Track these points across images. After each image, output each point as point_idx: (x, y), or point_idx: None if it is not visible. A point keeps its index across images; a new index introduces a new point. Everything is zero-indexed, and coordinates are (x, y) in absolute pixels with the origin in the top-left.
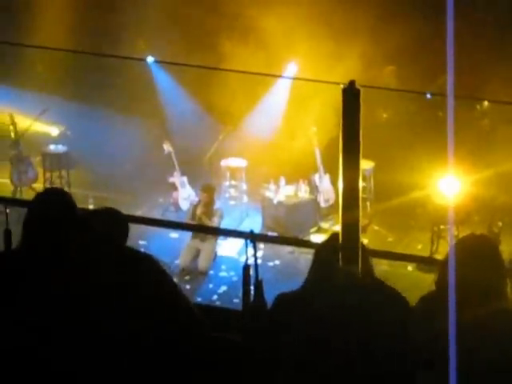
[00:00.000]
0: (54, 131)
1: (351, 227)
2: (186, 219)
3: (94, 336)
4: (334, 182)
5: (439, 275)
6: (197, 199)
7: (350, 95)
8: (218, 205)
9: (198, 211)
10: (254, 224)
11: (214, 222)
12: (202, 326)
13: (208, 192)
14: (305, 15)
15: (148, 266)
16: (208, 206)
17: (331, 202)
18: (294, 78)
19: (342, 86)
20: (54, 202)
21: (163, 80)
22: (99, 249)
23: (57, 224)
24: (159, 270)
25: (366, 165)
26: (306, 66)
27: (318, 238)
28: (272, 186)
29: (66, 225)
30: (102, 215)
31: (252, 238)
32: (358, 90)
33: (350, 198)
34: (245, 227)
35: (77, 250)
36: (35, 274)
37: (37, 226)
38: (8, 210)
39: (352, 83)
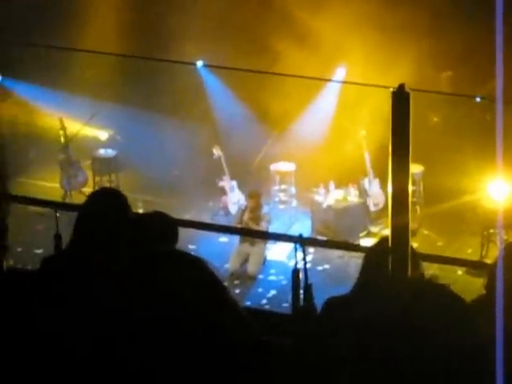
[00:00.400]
0: (104, 135)
1: (401, 231)
2: (234, 224)
3: (146, 337)
4: (383, 186)
5: (488, 279)
6: (246, 203)
7: (400, 98)
8: (265, 209)
9: (245, 217)
10: (304, 228)
11: (262, 227)
12: (250, 330)
13: (254, 198)
14: (357, 19)
15: (198, 268)
16: (255, 211)
17: (381, 206)
18: (345, 82)
19: (391, 89)
20: (108, 202)
21: (213, 84)
22: (150, 250)
23: (110, 224)
24: (209, 272)
25: (415, 169)
26: (356, 70)
27: (367, 242)
28: (321, 190)
29: (118, 225)
30: (152, 219)
31: (301, 242)
32: (408, 94)
33: (400, 201)
34: (294, 231)
35: (128, 250)
36: (86, 275)
37: (89, 226)
38: (58, 214)
39: (401, 86)
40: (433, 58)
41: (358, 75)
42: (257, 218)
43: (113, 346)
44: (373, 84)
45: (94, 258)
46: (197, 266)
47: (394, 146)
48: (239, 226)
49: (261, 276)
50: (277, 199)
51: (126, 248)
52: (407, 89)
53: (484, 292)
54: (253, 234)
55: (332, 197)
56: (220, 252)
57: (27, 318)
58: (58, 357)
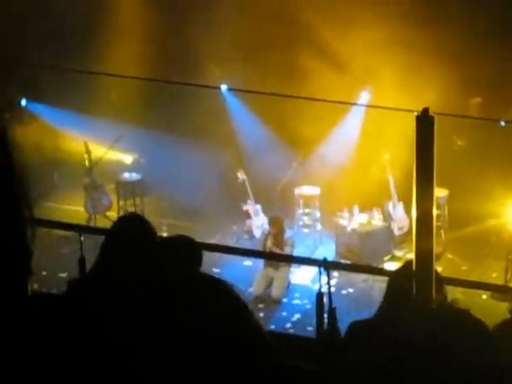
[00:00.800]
0: (128, 159)
1: (425, 255)
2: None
3: (171, 363)
4: (407, 210)
5: None
6: (268, 229)
7: (424, 122)
8: (289, 233)
9: (269, 243)
10: (328, 252)
11: (286, 252)
12: (275, 353)
13: (276, 224)
14: (385, 41)
15: (224, 291)
16: (277, 237)
17: (405, 229)
18: (370, 106)
19: (415, 113)
20: (135, 227)
21: (237, 108)
22: (176, 273)
23: (136, 248)
24: (234, 295)
25: (440, 192)
26: (382, 93)
27: (391, 266)
28: (346, 214)
29: (144, 250)
30: (177, 242)
31: (326, 265)
32: (432, 118)
33: (424, 225)
34: (318, 255)
35: (153, 274)
36: (112, 299)
37: (116, 250)
38: (82, 238)
39: (426, 110)
40: (462, 83)
41: (383, 98)
42: (280, 244)
43: (138, 371)
44: (397, 108)
45: (119, 282)
46: (222, 290)
47: (418, 170)
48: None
49: (285, 300)
50: (301, 223)
51: (151, 272)
52: (432, 113)
53: (509, 316)
54: (277, 257)
55: (356, 221)
56: (244, 276)
57: (55, 342)
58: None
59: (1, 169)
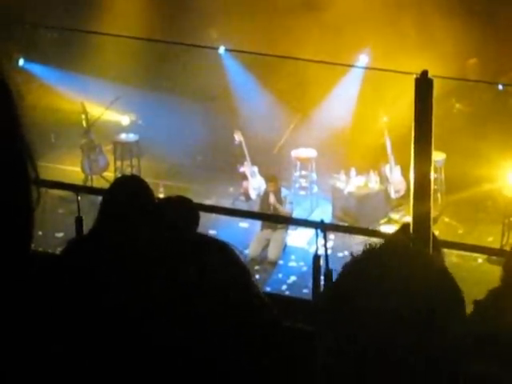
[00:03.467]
0: (125, 120)
1: (423, 218)
2: (259, 210)
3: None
4: (404, 173)
5: (504, 271)
6: (265, 188)
7: (423, 85)
8: (284, 192)
9: (271, 200)
10: (324, 214)
11: (288, 209)
12: (273, 314)
13: (274, 181)
14: (383, 4)
15: (220, 250)
16: (277, 194)
17: (402, 193)
18: (368, 68)
19: (414, 75)
20: (133, 187)
21: (234, 70)
22: (172, 234)
23: (134, 209)
24: (236, 256)
25: (437, 156)
26: (379, 57)
27: (388, 229)
28: (342, 177)
29: (142, 210)
30: (174, 203)
31: (322, 227)
32: (431, 80)
33: (422, 188)
34: (314, 217)
35: (151, 234)
36: (108, 258)
37: (114, 210)
38: (79, 198)
39: (425, 73)
40: (457, 45)
41: (381, 61)
42: (279, 201)
43: (140, 327)
44: (396, 70)
45: (117, 242)
46: (227, 252)
47: (416, 133)
48: (267, 211)
49: (281, 262)
50: (297, 185)
51: (149, 232)
52: (430, 76)
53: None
54: (275, 219)
55: (353, 183)
56: (240, 237)
57: (53, 301)
58: (89, 340)
59: (5, 123)
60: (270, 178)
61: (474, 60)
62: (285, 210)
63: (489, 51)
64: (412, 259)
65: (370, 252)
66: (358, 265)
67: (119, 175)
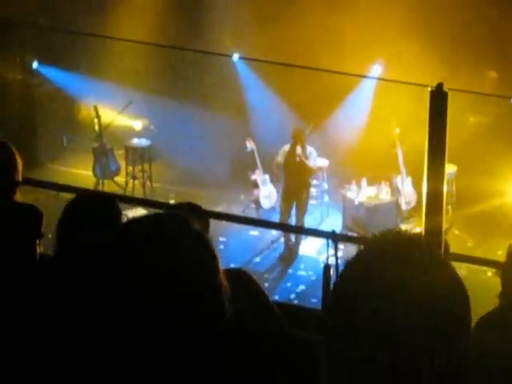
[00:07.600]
0: (138, 125)
1: (435, 230)
2: (282, 162)
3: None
4: (415, 185)
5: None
6: (277, 202)
7: (438, 97)
8: (309, 149)
9: (298, 150)
10: (334, 224)
11: (312, 164)
12: (281, 323)
13: (301, 135)
14: (397, 12)
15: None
16: (304, 148)
17: (412, 204)
18: (382, 79)
19: (429, 88)
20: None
21: (248, 77)
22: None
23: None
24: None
25: (448, 168)
26: (393, 68)
27: None
28: (353, 187)
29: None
30: (183, 209)
31: (334, 237)
32: (446, 93)
33: (435, 201)
34: (325, 227)
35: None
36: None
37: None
38: None
39: (440, 86)
40: (471, 57)
41: (395, 72)
42: (306, 155)
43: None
44: (410, 82)
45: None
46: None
47: (430, 146)
48: (292, 164)
49: (290, 270)
50: None
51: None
52: (445, 88)
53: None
54: (285, 228)
55: (364, 194)
56: (250, 245)
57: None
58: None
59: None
60: (297, 130)
61: (494, 73)
62: (310, 163)
63: (507, 65)
64: (423, 264)
65: (367, 254)
66: (357, 266)
67: (130, 180)
